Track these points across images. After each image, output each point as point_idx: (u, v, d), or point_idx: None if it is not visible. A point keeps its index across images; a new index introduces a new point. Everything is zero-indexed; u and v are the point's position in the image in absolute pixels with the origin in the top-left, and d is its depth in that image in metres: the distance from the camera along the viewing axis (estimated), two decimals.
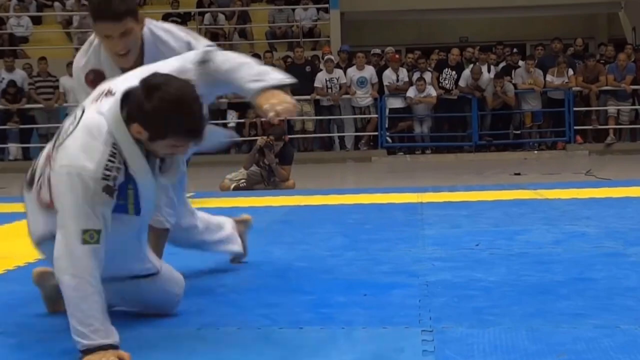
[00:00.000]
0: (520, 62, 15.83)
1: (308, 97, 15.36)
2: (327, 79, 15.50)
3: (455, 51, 15.81)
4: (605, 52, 16.21)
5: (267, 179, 10.05)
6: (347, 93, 15.56)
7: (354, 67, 15.70)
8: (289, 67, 15.91)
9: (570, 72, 15.33)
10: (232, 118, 15.61)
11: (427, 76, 15.44)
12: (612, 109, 15.34)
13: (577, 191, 8.15)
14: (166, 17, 19.06)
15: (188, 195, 8.61)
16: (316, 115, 15.73)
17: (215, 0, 19.32)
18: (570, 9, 19.80)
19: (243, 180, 10.04)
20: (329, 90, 15.50)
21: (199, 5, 19.41)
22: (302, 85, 15.43)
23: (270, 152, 9.93)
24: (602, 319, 3.25)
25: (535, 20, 20.57)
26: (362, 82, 15.59)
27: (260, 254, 5.01)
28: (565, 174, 10.91)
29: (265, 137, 10.15)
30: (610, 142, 15.31)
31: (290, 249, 5.20)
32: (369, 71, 15.62)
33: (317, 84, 15.45)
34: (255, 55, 16.60)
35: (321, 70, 15.74)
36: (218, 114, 15.69)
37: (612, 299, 3.60)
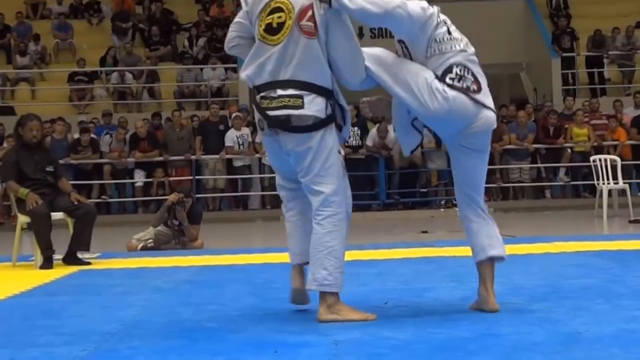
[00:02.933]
0: None
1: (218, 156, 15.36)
2: (237, 136, 15.51)
3: (351, 108, 15.97)
4: (507, 112, 16.62)
5: (176, 239, 9.94)
6: (256, 151, 15.57)
7: None
8: (203, 125, 15.90)
9: None
10: (139, 177, 15.46)
11: None
12: (514, 167, 15.69)
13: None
14: (72, 76, 18.93)
15: (93, 256, 8.48)
16: (228, 174, 15.69)
17: (122, 59, 19.23)
18: None
19: (151, 240, 9.92)
20: (240, 147, 15.51)
21: (102, 63, 19.29)
22: (215, 143, 15.50)
23: (182, 210, 9.85)
24: None
25: None
26: None
27: (168, 315, 4.94)
28: None
29: (175, 194, 10.05)
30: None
31: (199, 310, 5.14)
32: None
33: (227, 142, 15.43)
34: (157, 115, 16.57)
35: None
36: (125, 173, 15.55)
37: (518, 354, 3.66)
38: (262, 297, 5.60)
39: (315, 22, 4.51)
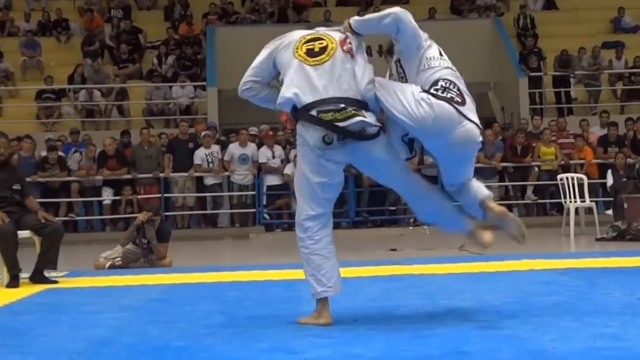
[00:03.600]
0: None
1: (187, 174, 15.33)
2: (206, 154, 15.48)
3: None
4: None
5: (144, 257, 9.89)
6: (225, 169, 15.54)
7: (237, 143, 15.72)
8: (172, 143, 15.85)
9: None
10: (107, 195, 15.37)
11: None
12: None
13: (451, 266, 8.31)
14: (40, 94, 18.82)
15: (61, 275, 8.42)
16: (197, 191, 15.65)
17: (90, 77, 19.15)
18: None
19: (118, 259, 9.86)
20: (210, 165, 15.47)
21: (70, 81, 19.19)
22: (184, 161, 15.47)
23: (151, 229, 9.81)
24: None
25: None
26: (244, 160, 15.60)
27: (136, 333, 4.92)
28: (440, 249, 11.10)
29: (145, 213, 10.00)
30: None
31: (167, 328, 5.12)
32: (251, 148, 15.66)
33: (196, 160, 15.39)
34: (126, 133, 16.51)
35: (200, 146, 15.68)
36: (93, 191, 15.45)
37: None
38: (231, 315, 5.58)
39: (352, 47, 5.13)
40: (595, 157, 15.72)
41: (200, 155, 15.42)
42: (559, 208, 13.73)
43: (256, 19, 21.33)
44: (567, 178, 13.41)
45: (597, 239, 12.15)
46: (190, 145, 15.68)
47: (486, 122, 18.36)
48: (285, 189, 15.67)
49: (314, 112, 4.94)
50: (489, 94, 20.61)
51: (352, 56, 5.10)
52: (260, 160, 15.58)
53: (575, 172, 14.81)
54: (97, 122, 18.73)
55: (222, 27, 20.54)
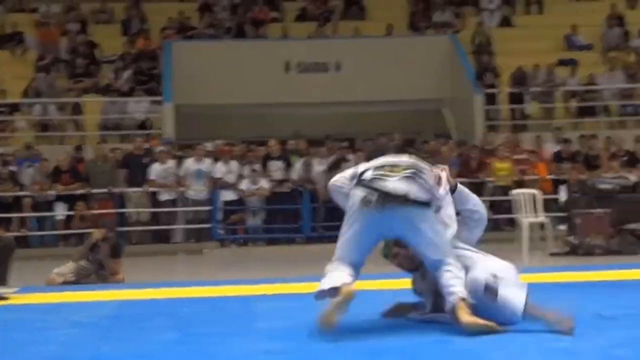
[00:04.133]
0: (350, 156, 16.20)
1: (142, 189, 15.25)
2: (162, 169, 15.40)
3: (272, 142, 16.07)
4: (429, 147, 16.83)
5: (97, 273, 9.80)
6: (181, 185, 15.47)
7: (193, 159, 15.66)
8: (127, 158, 15.76)
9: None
10: (60, 210, 15.23)
11: (259, 169, 15.57)
12: None
13: (407, 281, 8.30)
14: None
15: (11, 291, 8.31)
16: (152, 207, 15.56)
17: (44, 91, 18.96)
18: (398, 104, 20.49)
19: (71, 275, 9.76)
20: (165, 181, 15.39)
21: (25, 95, 19.01)
22: (139, 176, 15.38)
23: (106, 246, 9.72)
24: None
25: (365, 115, 21.16)
26: (199, 175, 15.55)
27: (89, 350, 4.86)
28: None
29: (100, 231, 9.89)
30: None
31: (120, 345, 5.07)
32: (207, 164, 15.62)
33: (151, 175, 15.31)
34: (79, 148, 16.38)
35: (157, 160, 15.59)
36: (46, 206, 15.30)
37: None
38: (184, 331, 5.54)
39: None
40: (549, 173, 15.88)
41: (155, 170, 15.34)
42: (513, 223, 13.84)
43: (214, 34, 21.30)
44: (520, 194, 13.52)
45: (550, 254, 12.27)
46: (145, 160, 15.61)
47: (442, 138, 18.55)
48: (241, 205, 15.65)
49: (368, 173, 5.19)
50: (444, 110, 20.75)
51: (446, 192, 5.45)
52: (216, 176, 15.54)
53: (529, 188, 14.93)
54: (52, 136, 18.56)
55: (179, 42, 20.49)
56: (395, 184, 5.11)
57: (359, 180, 5.23)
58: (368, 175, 5.19)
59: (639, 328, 5.05)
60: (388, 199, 5.07)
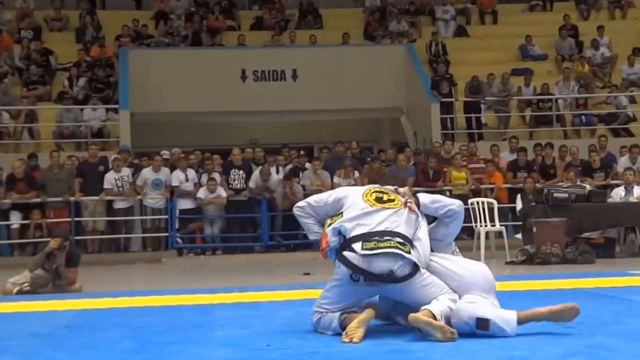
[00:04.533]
0: (308, 164, 16.22)
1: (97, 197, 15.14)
2: (116, 178, 15.29)
3: (236, 151, 16.04)
4: (386, 155, 16.90)
5: (53, 282, 9.71)
6: (137, 193, 15.37)
7: (150, 168, 15.56)
8: (82, 166, 15.63)
9: (357, 173, 15.84)
10: (15, 219, 15.06)
11: (217, 177, 15.53)
12: None
13: None
14: None
15: None
16: (108, 215, 15.45)
17: None
18: (355, 113, 20.57)
19: (27, 284, 9.66)
20: (120, 189, 15.29)
21: None
22: (95, 184, 15.26)
23: (62, 255, 9.63)
24: None
25: (322, 123, 21.22)
26: (157, 184, 15.46)
27: None
28: None
29: (56, 240, 9.77)
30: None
31: (77, 355, 5.03)
32: (165, 173, 15.53)
33: (106, 184, 15.20)
34: (34, 156, 16.23)
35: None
36: (0, 214, 15.13)
37: None
38: (141, 340, 5.50)
39: (416, 210, 5.50)
40: (504, 181, 16.01)
41: (110, 179, 15.24)
42: (470, 232, 13.95)
43: (170, 42, 21.23)
44: (477, 202, 13.62)
45: (506, 263, 12.37)
46: (101, 168, 15.51)
47: (399, 147, 18.64)
48: (198, 213, 15.59)
49: (356, 245, 5.20)
50: (401, 119, 20.86)
51: (417, 216, 5.48)
52: (173, 184, 15.48)
53: (486, 196, 15.05)
54: (6, 144, 18.36)
55: (135, 50, 20.40)
56: (381, 263, 5.17)
57: (344, 246, 5.31)
58: (356, 246, 5.22)
59: (594, 337, 5.10)
60: (376, 278, 5.18)
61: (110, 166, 15.47)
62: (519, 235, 13.39)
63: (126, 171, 15.41)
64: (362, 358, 4.60)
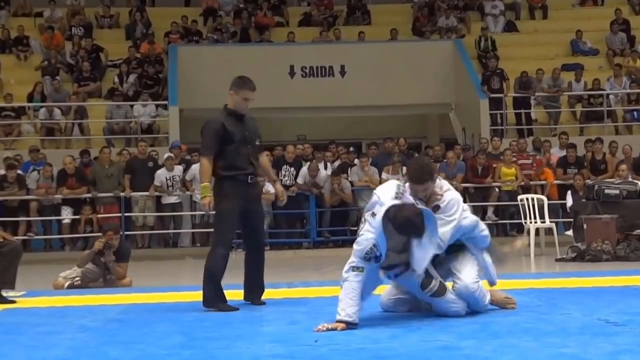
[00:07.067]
0: (356, 160, 16.19)
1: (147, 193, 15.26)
2: (168, 177, 15.37)
3: (290, 148, 16.04)
4: (434, 152, 16.81)
5: (103, 277, 9.80)
6: (187, 188, 15.45)
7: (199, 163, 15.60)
8: (131, 162, 15.75)
9: (405, 170, 15.75)
10: (66, 214, 15.24)
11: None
12: None
13: None
14: None
15: (18, 295, 8.33)
16: (157, 211, 15.55)
17: (50, 95, 18.99)
18: (403, 109, 20.50)
19: (77, 278, 9.76)
20: (170, 189, 15.36)
21: (30, 99, 19.01)
22: (144, 180, 15.36)
23: (110, 251, 9.70)
24: None
25: (370, 119, 21.18)
26: None
27: (95, 354, 4.86)
28: None
29: (101, 240, 9.82)
30: None
31: (126, 349, 5.07)
32: None
33: (156, 182, 15.29)
34: (86, 152, 16.39)
35: (163, 166, 15.53)
36: (51, 210, 15.31)
37: None
38: (190, 335, 5.53)
39: None
40: (555, 178, 15.86)
41: (160, 177, 15.32)
42: (520, 228, 13.83)
43: (218, 39, 21.33)
44: (527, 199, 13.51)
45: (556, 260, 12.24)
46: (150, 164, 15.60)
47: (448, 143, 18.53)
48: None
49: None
50: (450, 115, 20.75)
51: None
52: None
53: (535, 192, 14.91)
54: (57, 140, 18.57)
55: (184, 46, 20.52)
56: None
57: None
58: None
59: None
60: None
61: (162, 164, 15.53)
62: (570, 232, 13.24)
63: (178, 170, 15.48)
64: (410, 354, 4.58)
